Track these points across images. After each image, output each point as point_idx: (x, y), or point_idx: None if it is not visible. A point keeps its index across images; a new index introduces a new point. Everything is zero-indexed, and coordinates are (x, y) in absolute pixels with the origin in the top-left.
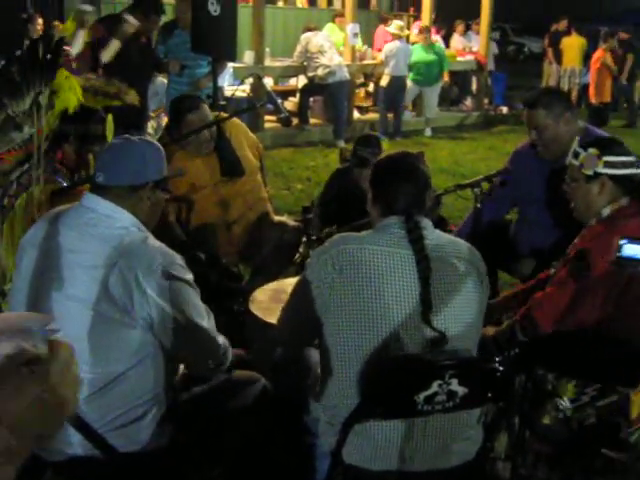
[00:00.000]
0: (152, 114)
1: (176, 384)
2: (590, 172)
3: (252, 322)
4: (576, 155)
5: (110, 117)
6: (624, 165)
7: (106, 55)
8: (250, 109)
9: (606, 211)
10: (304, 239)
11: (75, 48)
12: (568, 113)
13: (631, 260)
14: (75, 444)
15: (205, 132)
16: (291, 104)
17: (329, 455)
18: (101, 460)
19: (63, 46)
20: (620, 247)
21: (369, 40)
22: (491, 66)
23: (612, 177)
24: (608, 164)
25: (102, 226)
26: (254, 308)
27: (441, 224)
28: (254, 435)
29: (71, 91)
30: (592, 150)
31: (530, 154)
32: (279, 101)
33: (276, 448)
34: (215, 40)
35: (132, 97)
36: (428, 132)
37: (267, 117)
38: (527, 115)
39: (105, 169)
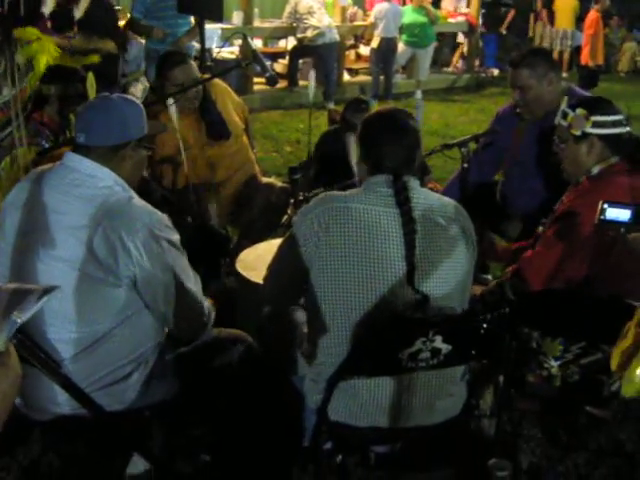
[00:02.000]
0: (131, 77)
1: (162, 343)
2: (578, 132)
3: (239, 282)
4: (564, 116)
5: (91, 75)
6: (613, 124)
7: (79, 11)
8: (235, 68)
9: (595, 169)
10: (292, 200)
11: (48, 7)
12: (552, 73)
13: (613, 223)
14: (62, 403)
15: (191, 89)
16: (280, 66)
17: (315, 413)
18: (88, 419)
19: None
20: (603, 210)
21: (360, 1)
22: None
23: (601, 137)
24: (596, 124)
25: (85, 186)
26: (241, 268)
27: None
28: (240, 393)
29: (44, 52)
30: (580, 110)
31: (513, 117)
32: (267, 62)
33: (262, 406)
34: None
35: (108, 45)
36: (419, 94)
37: (256, 79)
38: (511, 74)
39: (86, 129)
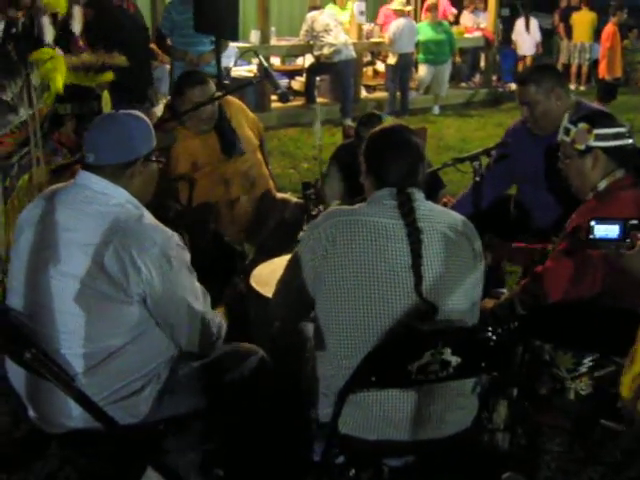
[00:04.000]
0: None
1: (174, 358)
2: (582, 147)
3: (252, 297)
4: (567, 131)
5: (106, 93)
6: (615, 137)
7: (77, 25)
8: (246, 86)
9: (602, 185)
10: (305, 216)
11: (77, 25)
12: (559, 88)
13: (603, 241)
14: (76, 417)
15: (208, 108)
16: (298, 83)
17: (325, 426)
18: (102, 432)
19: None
20: (591, 229)
21: (374, 18)
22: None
23: (605, 149)
24: (599, 137)
25: (97, 203)
26: (254, 283)
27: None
28: (252, 408)
29: (61, 70)
30: (582, 125)
31: (524, 132)
32: (284, 80)
33: (274, 421)
34: (218, 19)
35: (118, 59)
36: (436, 110)
37: (273, 97)
38: (518, 91)
39: (94, 149)
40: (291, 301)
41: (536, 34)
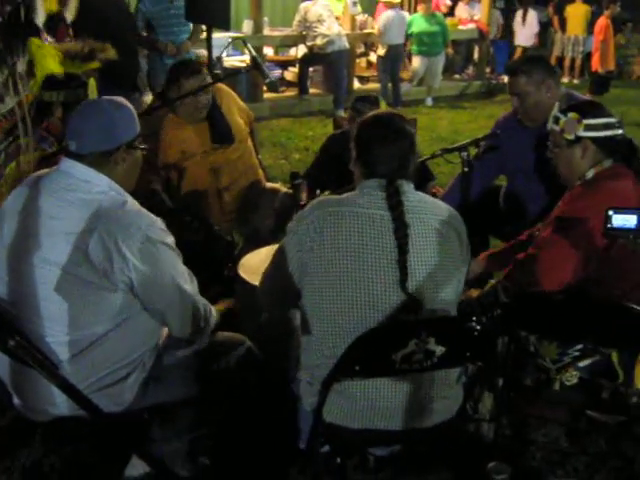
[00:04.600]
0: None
1: (160, 346)
2: (571, 136)
3: (241, 286)
4: (556, 120)
5: (92, 80)
6: (605, 127)
7: (69, 13)
8: (235, 74)
9: (590, 174)
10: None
11: (70, 13)
12: (550, 80)
13: (621, 230)
14: (60, 404)
15: (203, 97)
16: (291, 74)
17: (311, 415)
18: (86, 420)
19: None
20: (609, 218)
21: (370, 9)
22: (494, 35)
23: (594, 140)
24: (589, 127)
25: (80, 191)
26: (242, 272)
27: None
28: (239, 397)
29: (50, 58)
30: (572, 114)
31: (514, 123)
32: (277, 70)
33: (261, 410)
34: (209, 8)
35: (109, 53)
36: (429, 102)
37: (266, 87)
38: (509, 82)
39: (76, 137)
40: (277, 291)
41: (533, 25)
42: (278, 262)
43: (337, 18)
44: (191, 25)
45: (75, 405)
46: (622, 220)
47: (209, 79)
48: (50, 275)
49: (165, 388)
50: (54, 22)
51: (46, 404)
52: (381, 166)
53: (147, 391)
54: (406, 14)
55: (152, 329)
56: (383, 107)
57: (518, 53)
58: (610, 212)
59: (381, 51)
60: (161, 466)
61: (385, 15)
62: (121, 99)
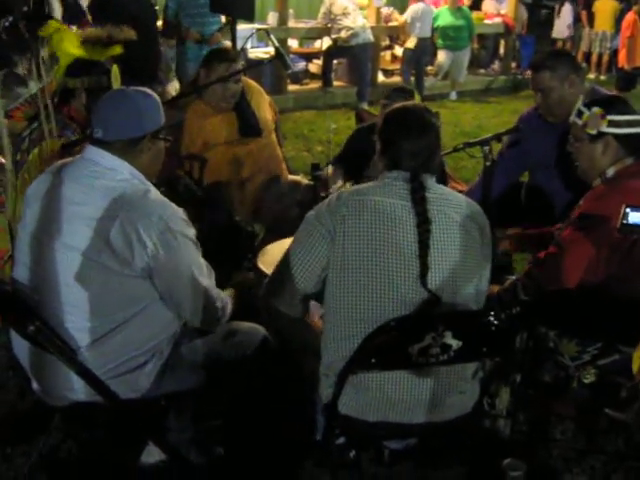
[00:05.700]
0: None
1: (177, 334)
2: (594, 131)
3: (258, 277)
4: (580, 114)
5: (115, 67)
6: (629, 124)
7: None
8: (258, 65)
9: (610, 171)
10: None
11: (57, 10)
12: (573, 75)
13: (637, 227)
14: (78, 390)
15: (233, 86)
16: (315, 66)
17: (326, 407)
18: (103, 406)
19: None
20: (625, 214)
21: (395, 2)
22: (519, 30)
23: (617, 136)
24: (612, 123)
25: (104, 178)
26: (261, 263)
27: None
28: (254, 387)
29: (68, 42)
30: (596, 109)
31: (538, 119)
32: (302, 62)
33: (276, 400)
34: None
35: (126, 33)
36: (453, 96)
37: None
38: (532, 77)
39: (102, 124)
40: (292, 280)
41: (566, 18)
42: (298, 249)
43: (361, 8)
44: (222, 19)
45: (92, 391)
46: (638, 217)
47: (240, 68)
48: (72, 261)
49: (181, 376)
50: (74, 14)
51: (64, 389)
52: (407, 161)
53: (163, 379)
54: (433, 7)
55: (171, 317)
56: (417, 101)
57: (558, 46)
58: (627, 209)
59: (411, 43)
60: (176, 454)
61: (414, 7)
62: (147, 89)
